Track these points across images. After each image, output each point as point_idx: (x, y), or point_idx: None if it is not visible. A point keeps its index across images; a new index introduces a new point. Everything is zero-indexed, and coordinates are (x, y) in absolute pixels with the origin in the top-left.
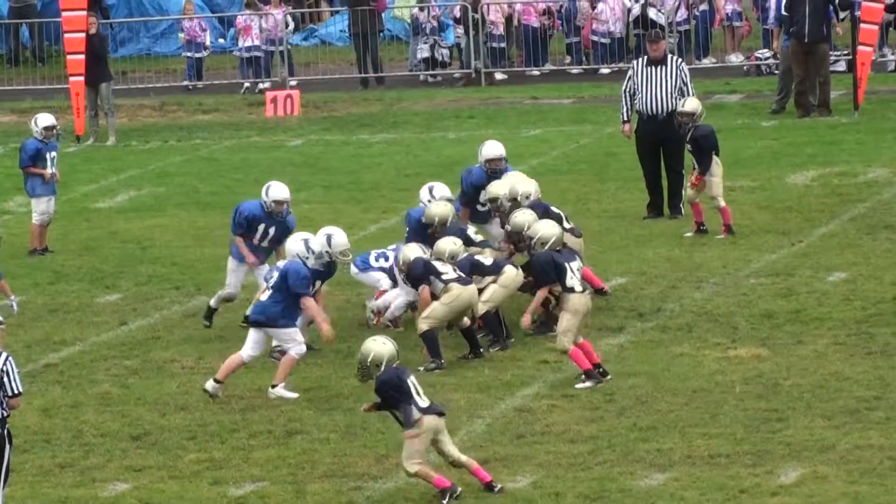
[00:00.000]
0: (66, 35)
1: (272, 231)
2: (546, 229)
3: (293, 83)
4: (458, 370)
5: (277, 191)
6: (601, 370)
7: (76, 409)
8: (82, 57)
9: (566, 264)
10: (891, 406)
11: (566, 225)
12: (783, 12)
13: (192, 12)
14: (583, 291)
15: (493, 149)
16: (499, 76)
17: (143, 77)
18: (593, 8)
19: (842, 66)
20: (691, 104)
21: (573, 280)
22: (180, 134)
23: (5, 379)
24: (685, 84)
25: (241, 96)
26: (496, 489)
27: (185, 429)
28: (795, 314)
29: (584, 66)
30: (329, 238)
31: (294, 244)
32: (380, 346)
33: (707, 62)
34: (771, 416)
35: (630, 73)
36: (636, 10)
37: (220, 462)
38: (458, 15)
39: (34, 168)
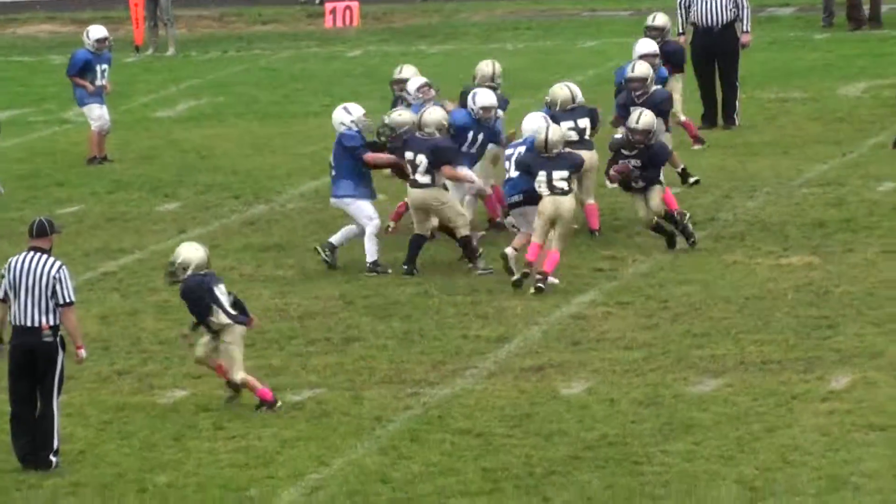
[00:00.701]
0: None
1: (481, 137)
2: None
3: None
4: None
5: (484, 98)
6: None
7: (134, 317)
8: None
9: None
10: None
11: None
12: None
13: None
14: (551, 194)
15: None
16: None
17: None
18: None
19: None
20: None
21: (541, 187)
22: (239, 44)
23: (58, 287)
24: None
25: (300, 7)
26: (274, 406)
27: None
28: (846, 223)
29: None
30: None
31: (337, 114)
32: (190, 251)
33: None
34: (822, 322)
35: None
36: None
37: (278, 369)
38: None
39: (80, 79)
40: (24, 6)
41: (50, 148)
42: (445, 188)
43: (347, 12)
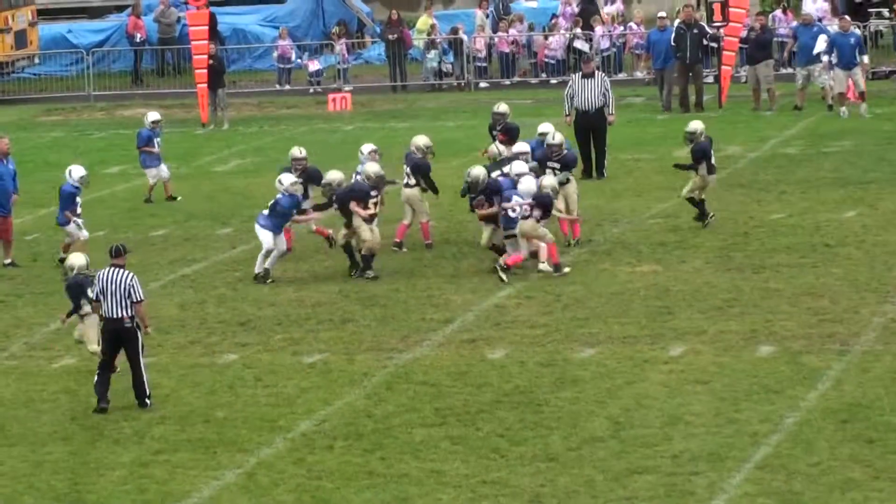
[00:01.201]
0: (195, 56)
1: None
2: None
3: (347, 88)
4: (456, 279)
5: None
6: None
7: (202, 305)
8: (206, 71)
9: None
10: (743, 304)
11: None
12: (672, 43)
13: (286, 37)
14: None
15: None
16: (482, 85)
17: (247, 84)
18: (546, 39)
19: (710, 79)
20: (693, 125)
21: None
22: (271, 122)
23: (132, 290)
24: (607, 90)
25: (311, 97)
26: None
27: (274, 318)
28: (680, 243)
29: (540, 78)
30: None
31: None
32: (76, 258)
33: (622, 76)
34: (663, 310)
35: (570, 82)
36: (575, 42)
37: (298, 340)
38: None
39: (146, 147)
40: (127, 97)
41: (144, 192)
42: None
43: (343, 100)
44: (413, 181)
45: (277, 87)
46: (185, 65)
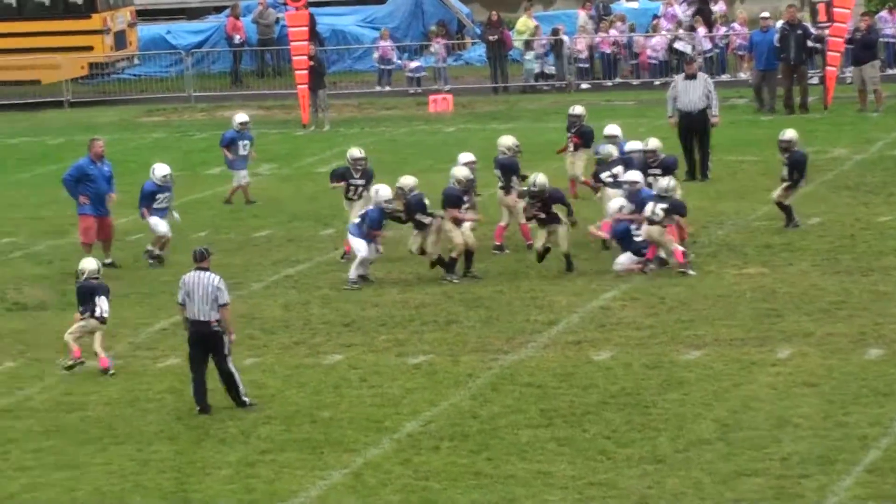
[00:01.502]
0: (295, 57)
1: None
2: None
3: (447, 90)
4: (560, 281)
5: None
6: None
7: (306, 305)
8: (306, 72)
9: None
10: (851, 307)
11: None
12: (776, 44)
13: (388, 38)
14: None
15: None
16: (584, 86)
17: (347, 85)
18: (646, 40)
19: (815, 80)
20: (789, 133)
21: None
22: (371, 123)
23: (218, 294)
24: (710, 91)
25: (412, 97)
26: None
27: (378, 319)
28: (787, 245)
29: (642, 80)
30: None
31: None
32: (88, 263)
33: (725, 77)
34: (771, 313)
35: (673, 83)
36: (676, 43)
37: (402, 341)
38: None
39: (226, 150)
40: (227, 98)
41: (250, 189)
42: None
43: (444, 101)
44: (503, 182)
45: (378, 87)
46: (284, 66)
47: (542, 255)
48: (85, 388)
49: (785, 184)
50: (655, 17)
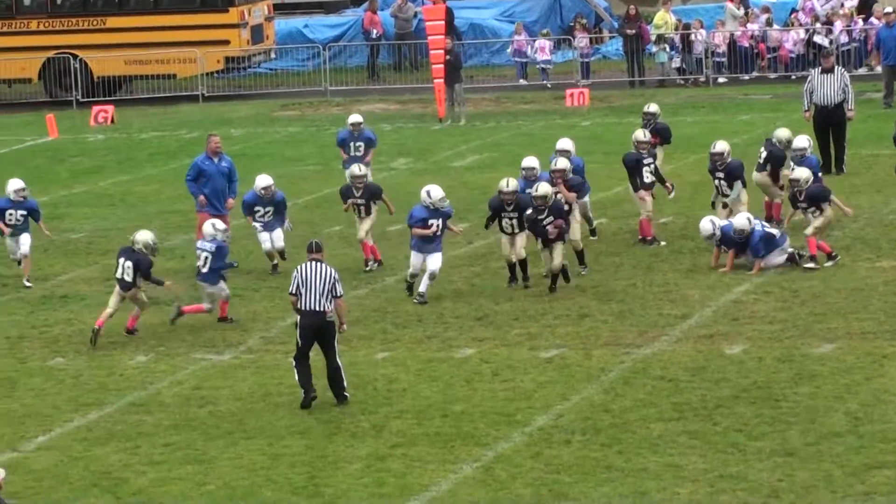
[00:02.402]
0: (432, 51)
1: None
2: None
3: (584, 83)
4: (693, 275)
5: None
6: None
7: (439, 300)
8: (442, 66)
9: None
10: None
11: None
12: None
13: (522, 32)
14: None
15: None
16: (721, 80)
17: (484, 80)
18: (785, 33)
19: None
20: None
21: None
22: (508, 118)
23: (336, 285)
24: (847, 85)
25: (549, 91)
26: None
27: (510, 313)
28: None
29: (779, 73)
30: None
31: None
32: (143, 235)
33: (862, 71)
34: None
35: (809, 77)
36: (814, 36)
37: (535, 335)
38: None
39: (341, 149)
40: (363, 92)
41: (385, 184)
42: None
43: (581, 95)
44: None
45: (523, 81)
46: (421, 60)
47: (555, 277)
48: (215, 382)
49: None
50: (794, 10)
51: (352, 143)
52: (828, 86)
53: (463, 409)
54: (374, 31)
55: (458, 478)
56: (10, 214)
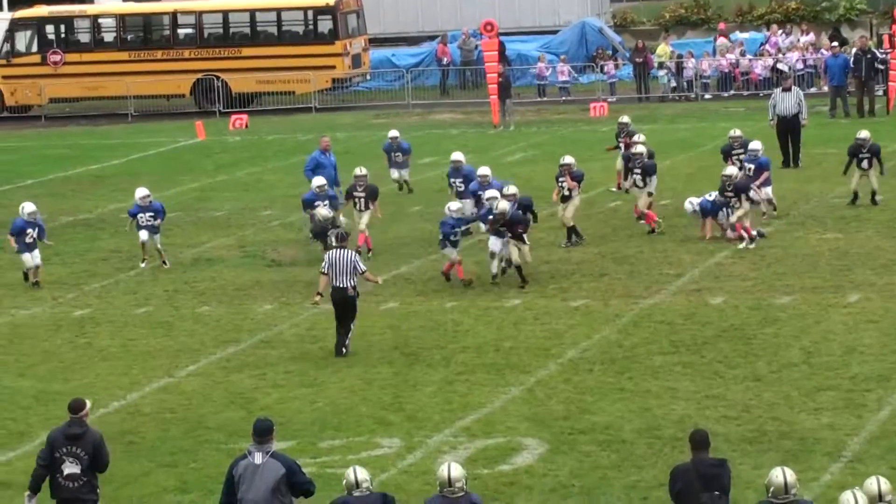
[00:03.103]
0: (488, 74)
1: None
2: None
3: (612, 99)
4: (685, 244)
5: None
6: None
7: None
8: (496, 86)
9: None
10: None
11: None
12: (851, 65)
13: (544, 61)
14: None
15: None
16: (706, 96)
17: (528, 96)
18: (753, 62)
19: (880, 93)
20: (864, 133)
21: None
22: (547, 125)
23: (357, 264)
24: (801, 100)
25: (577, 105)
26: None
27: (548, 272)
28: (856, 216)
29: (751, 91)
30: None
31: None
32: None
33: (813, 90)
34: (843, 268)
35: (773, 94)
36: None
37: (566, 289)
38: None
39: (386, 156)
40: (436, 105)
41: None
42: None
43: (601, 108)
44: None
45: (563, 98)
46: (480, 81)
47: (504, 271)
48: (325, 324)
49: (858, 172)
50: (762, 44)
51: (391, 153)
52: (787, 101)
53: (511, 345)
54: (445, 59)
55: (508, 397)
56: (141, 217)
